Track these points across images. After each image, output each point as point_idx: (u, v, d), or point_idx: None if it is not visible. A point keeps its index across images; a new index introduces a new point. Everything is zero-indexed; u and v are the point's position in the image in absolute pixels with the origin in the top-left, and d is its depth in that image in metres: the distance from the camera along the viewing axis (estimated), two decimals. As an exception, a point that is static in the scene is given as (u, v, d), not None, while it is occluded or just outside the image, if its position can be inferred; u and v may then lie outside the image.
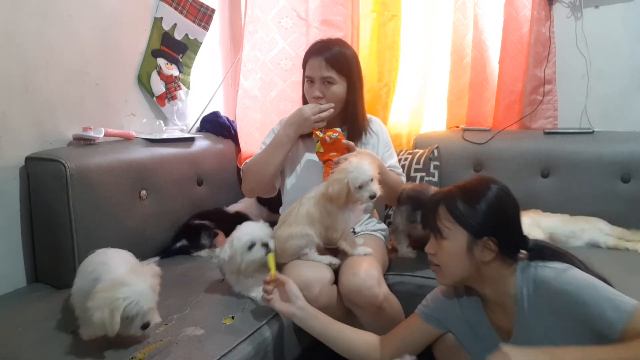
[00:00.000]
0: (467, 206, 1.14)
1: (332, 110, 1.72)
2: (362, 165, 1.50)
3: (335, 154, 1.66)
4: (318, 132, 1.69)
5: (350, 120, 1.80)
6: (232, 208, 2.27)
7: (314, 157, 1.80)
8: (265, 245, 1.51)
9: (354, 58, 1.80)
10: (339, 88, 1.74)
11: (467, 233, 1.13)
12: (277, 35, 2.40)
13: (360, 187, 1.49)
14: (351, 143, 1.68)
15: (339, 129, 1.71)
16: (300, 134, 1.75)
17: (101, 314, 1.14)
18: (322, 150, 1.68)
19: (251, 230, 1.53)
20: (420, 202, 1.68)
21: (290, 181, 1.85)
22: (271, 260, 1.43)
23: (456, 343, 1.26)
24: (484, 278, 1.15)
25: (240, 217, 2.10)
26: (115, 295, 1.16)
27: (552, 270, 1.08)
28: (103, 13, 1.93)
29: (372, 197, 1.50)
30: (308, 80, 1.77)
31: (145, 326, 1.22)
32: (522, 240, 1.16)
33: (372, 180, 1.50)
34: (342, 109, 1.79)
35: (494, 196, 1.14)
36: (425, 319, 1.29)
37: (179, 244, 1.98)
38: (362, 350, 1.32)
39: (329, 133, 1.67)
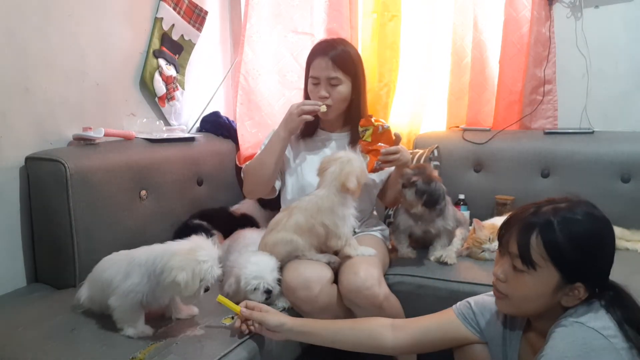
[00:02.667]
0: (568, 244, 0.97)
1: (316, 107, 1.69)
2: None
3: (382, 144, 1.63)
4: (373, 120, 1.64)
5: (354, 120, 1.77)
6: (238, 210, 2.23)
7: (314, 157, 1.81)
8: (268, 292, 1.50)
9: (358, 57, 1.80)
10: (345, 88, 1.74)
11: (559, 275, 0.98)
12: (283, 49, 2.43)
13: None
14: (399, 135, 1.67)
15: (382, 120, 1.68)
16: (291, 131, 1.74)
17: (185, 275, 1.22)
18: (369, 139, 1.65)
19: (259, 273, 1.50)
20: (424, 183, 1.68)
21: (290, 181, 1.85)
22: (223, 301, 1.37)
23: (485, 356, 1.20)
24: (549, 315, 1.04)
25: (247, 220, 2.09)
26: (197, 258, 1.25)
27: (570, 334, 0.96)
28: (103, 13, 1.92)
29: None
30: (313, 80, 1.75)
31: (207, 289, 1.29)
32: (606, 283, 1.03)
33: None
34: (345, 109, 1.78)
35: (598, 234, 1.00)
36: (463, 320, 1.23)
37: None
38: (371, 339, 1.26)
39: (379, 123, 1.64)
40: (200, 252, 1.27)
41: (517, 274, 1.02)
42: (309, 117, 1.70)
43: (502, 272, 1.06)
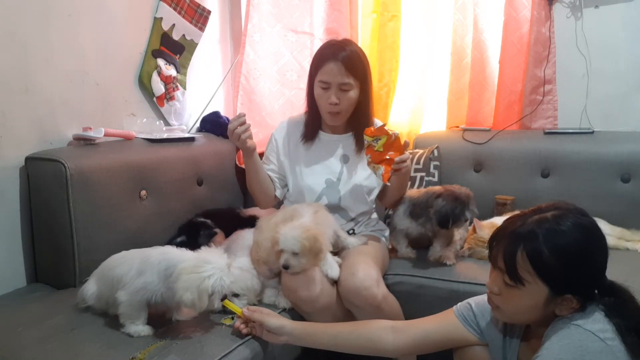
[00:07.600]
0: (553, 258, 0.97)
1: (242, 119, 1.62)
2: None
3: (393, 153, 1.60)
4: (387, 130, 1.60)
5: (358, 121, 1.75)
6: (248, 212, 2.18)
7: (317, 160, 1.81)
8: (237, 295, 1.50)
9: (366, 58, 1.77)
10: (355, 93, 1.71)
11: (547, 289, 0.99)
12: (283, 48, 2.44)
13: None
14: (408, 141, 1.66)
15: (391, 129, 1.65)
16: (252, 151, 1.69)
17: (191, 295, 1.22)
18: (382, 149, 1.60)
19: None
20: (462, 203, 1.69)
21: (291, 185, 1.84)
22: (227, 305, 1.35)
23: (485, 357, 1.20)
24: (547, 322, 1.04)
25: (254, 221, 2.08)
26: (201, 275, 1.24)
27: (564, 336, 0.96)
28: (103, 13, 1.92)
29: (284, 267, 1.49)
30: (323, 85, 1.70)
31: (224, 298, 1.30)
32: (601, 286, 1.02)
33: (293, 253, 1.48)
34: (352, 113, 1.76)
35: (585, 244, 0.99)
36: (463, 322, 1.23)
37: (178, 239, 1.96)
38: (371, 342, 1.26)
39: (391, 132, 1.59)
40: (205, 267, 1.25)
41: (508, 288, 1.03)
42: (249, 133, 1.63)
43: (495, 285, 1.07)
